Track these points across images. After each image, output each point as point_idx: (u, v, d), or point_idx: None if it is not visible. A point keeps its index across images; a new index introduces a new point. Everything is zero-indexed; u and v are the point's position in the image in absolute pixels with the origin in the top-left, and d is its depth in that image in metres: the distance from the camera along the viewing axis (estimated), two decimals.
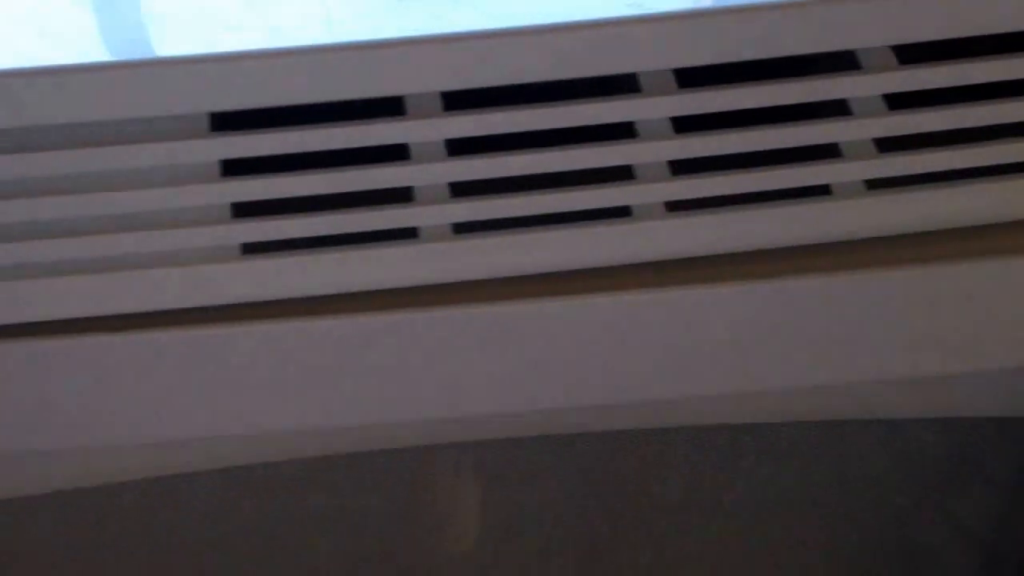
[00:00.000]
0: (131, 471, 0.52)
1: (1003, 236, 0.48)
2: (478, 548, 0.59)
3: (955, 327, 0.48)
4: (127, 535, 0.57)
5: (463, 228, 0.46)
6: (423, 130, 0.45)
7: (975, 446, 0.57)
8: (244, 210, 0.45)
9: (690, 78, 0.46)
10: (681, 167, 0.47)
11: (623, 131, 0.46)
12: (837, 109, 0.47)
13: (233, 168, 0.44)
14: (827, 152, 0.47)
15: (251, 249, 0.45)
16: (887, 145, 0.47)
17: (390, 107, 0.45)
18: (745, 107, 0.46)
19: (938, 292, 0.48)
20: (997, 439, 0.57)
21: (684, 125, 0.46)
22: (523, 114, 0.45)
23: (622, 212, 0.47)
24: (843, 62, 0.46)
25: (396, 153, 0.45)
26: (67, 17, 0.46)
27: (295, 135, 0.44)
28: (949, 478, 0.58)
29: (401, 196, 0.46)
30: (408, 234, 0.46)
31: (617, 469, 0.56)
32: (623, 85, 0.46)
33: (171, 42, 0.45)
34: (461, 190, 0.46)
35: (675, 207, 0.47)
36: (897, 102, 0.46)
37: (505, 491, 0.57)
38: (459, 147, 0.46)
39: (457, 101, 0.45)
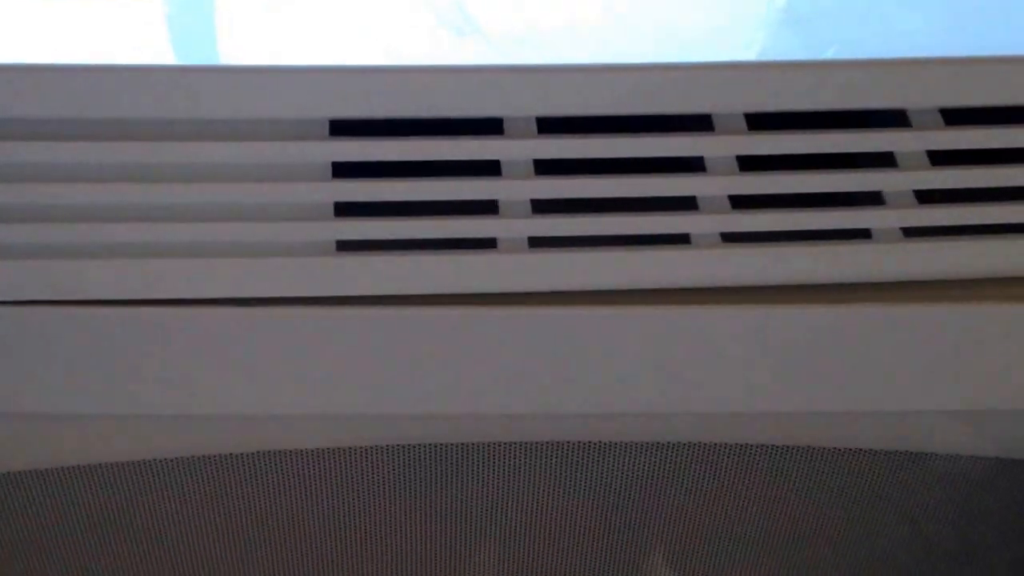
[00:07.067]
0: (169, 449, 0.56)
1: None
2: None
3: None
4: (160, 511, 0.59)
5: (538, 243, 0.50)
6: (516, 149, 0.49)
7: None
8: (344, 210, 0.49)
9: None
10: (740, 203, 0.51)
11: (689, 165, 0.50)
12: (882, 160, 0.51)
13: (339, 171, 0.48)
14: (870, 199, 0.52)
15: (345, 247, 0.49)
16: (927, 197, 0.51)
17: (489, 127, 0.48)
18: (803, 152, 0.50)
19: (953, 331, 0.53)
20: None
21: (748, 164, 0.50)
22: (606, 142, 0.49)
23: (682, 239, 0.51)
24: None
25: (489, 170, 0.49)
26: None
27: (404, 144, 0.47)
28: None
29: (488, 208, 0.50)
30: (488, 244, 0.50)
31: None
32: (689, 124, 0.50)
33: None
34: (541, 207, 0.50)
35: (731, 239, 0.51)
36: (942, 159, 0.51)
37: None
38: (543, 168, 0.50)
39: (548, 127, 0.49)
